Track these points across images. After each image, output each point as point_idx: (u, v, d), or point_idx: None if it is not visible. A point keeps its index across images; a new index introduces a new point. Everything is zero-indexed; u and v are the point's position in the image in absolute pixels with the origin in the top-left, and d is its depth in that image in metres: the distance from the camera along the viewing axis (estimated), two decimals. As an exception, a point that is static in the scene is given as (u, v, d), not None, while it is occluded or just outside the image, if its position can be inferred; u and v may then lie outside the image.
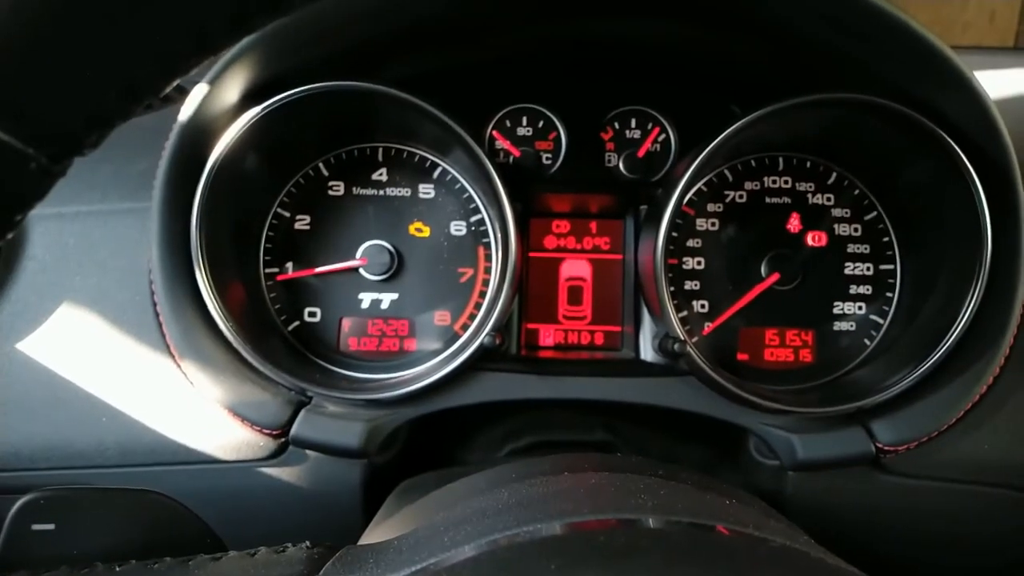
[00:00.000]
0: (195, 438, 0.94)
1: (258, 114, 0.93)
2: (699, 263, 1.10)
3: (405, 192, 1.11)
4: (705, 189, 1.11)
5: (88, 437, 0.95)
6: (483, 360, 0.99)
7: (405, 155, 1.11)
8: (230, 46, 0.42)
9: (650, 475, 0.68)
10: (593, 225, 1.15)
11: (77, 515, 0.53)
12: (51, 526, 0.51)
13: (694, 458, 1.16)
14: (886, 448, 0.94)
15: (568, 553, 0.42)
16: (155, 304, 0.95)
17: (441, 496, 0.72)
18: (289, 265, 1.08)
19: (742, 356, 1.10)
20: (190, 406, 0.95)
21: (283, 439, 0.94)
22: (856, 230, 1.10)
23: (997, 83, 1.24)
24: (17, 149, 0.33)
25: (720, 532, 0.51)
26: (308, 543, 0.52)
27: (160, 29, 0.34)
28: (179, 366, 0.94)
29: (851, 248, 1.10)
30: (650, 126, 1.13)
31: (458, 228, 1.11)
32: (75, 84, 0.34)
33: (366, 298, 1.09)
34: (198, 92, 0.90)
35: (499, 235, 1.02)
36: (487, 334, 0.95)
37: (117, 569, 0.47)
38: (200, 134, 0.93)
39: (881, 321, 1.09)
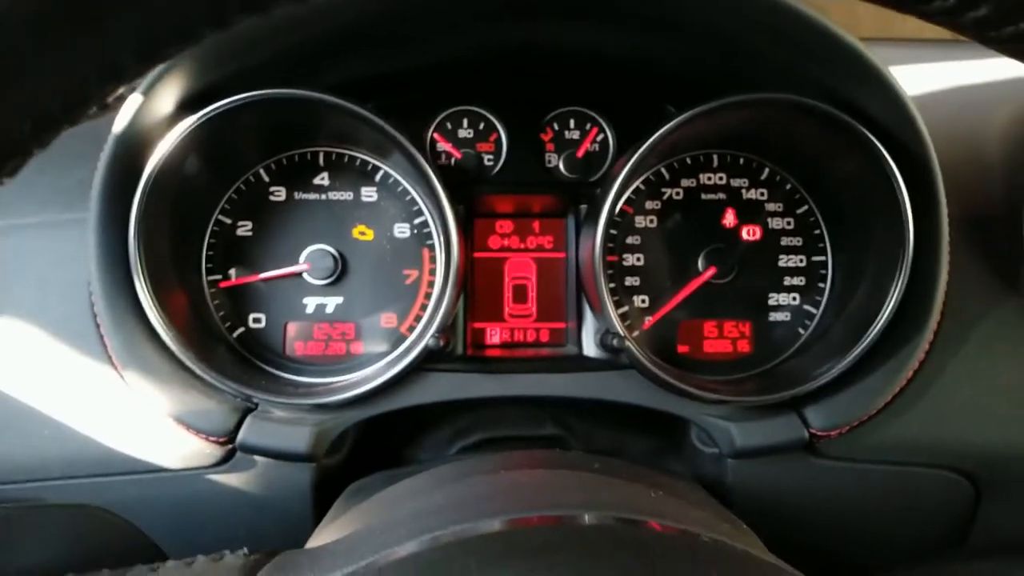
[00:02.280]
0: (141, 448, 0.94)
1: (194, 123, 0.93)
2: (639, 259, 1.13)
3: (347, 196, 1.11)
4: (643, 187, 1.13)
5: (30, 451, 0.94)
6: (429, 361, 1.00)
7: (346, 159, 1.12)
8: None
9: (585, 471, 0.70)
10: (536, 224, 1.17)
11: (12, 532, 0.54)
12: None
13: (641, 449, 1.19)
14: (819, 433, 0.98)
15: (490, 551, 0.44)
16: (95, 315, 0.94)
17: (384, 498, 0.73)
18: (232, 271, 1.08)
19: (682, 348, 1.13)
20: (135, 416, 0.95)
21: (230, 446, 0.94)
22: (789, 224, 1.13)
23: (932, 75, 1.30)
24: None
25: (649, 528, 0.52)
26: (246, 550, 0.53)
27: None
28: (122, 377, 0.94)
29: (784, 241, 1.13)
30: (588, 126, 1.15)
31: (402, 230, 1.12)
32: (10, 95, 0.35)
33: (311, 302, 1.10)
34: (132, 102, 0.90)
35: (442, 237, 1.03)
36: (432, 336, 0.97)
37: None
38: (136, 144, 0.92)
39: (814, 311, 1.12)
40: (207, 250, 1.08)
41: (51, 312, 0.97)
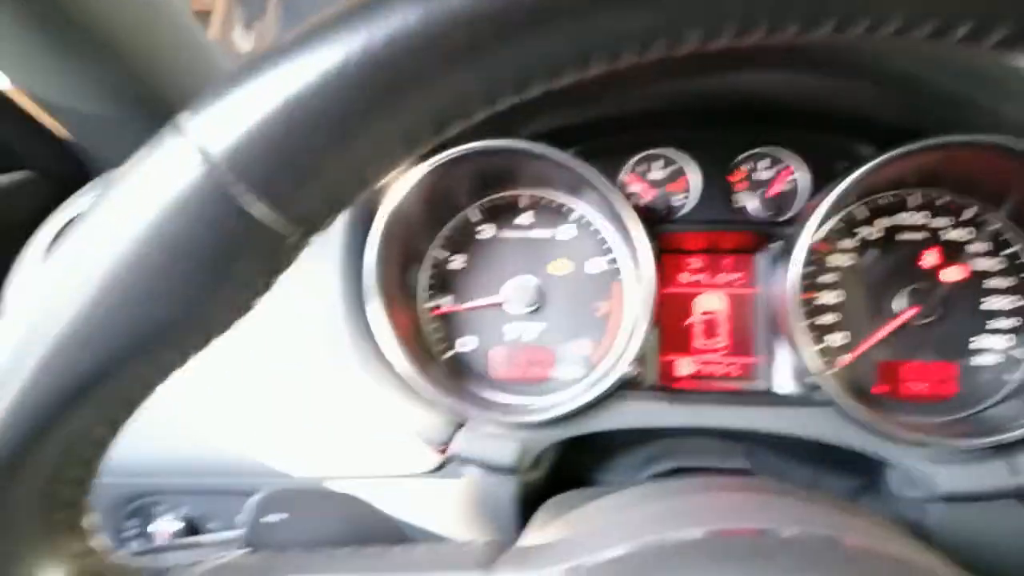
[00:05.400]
0: (370, 454, 1.08)
1: (422, 172, 1.07)
2: (835, 297, 1.14)
3: (546, 234, 1.21)
4: (838, 226, 1.14)
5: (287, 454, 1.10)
6: (623, 388, 1.06)
7: (545, 200, 1.22)
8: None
9: (789, 496, 0.73)
10: (726, 261, 1.21)
11: (301, 509, 0.66)
12: (283, 515, 0.65)
13: (834, 488, 1.18)
14: (1030, 482, 0.94)
15: (692, 555, 0.49)
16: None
17: (588, 510, 0.80)
18: (445, 300, 1.21)
19: (881, 388, 1.12)
20: (366, 426, 1.08)
21: (445, 455, 1.05)
22: (996, 265, 1.10)
23: None
24: (287, 231, 0.44)
25: (844, 543, 0.55)
26: (487, 540, 0.62)
27: (395, 135, 0.45)
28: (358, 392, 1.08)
29: (991, 283, 1.10)
30: (780, 167, 1.18)
31: (595, 266, 1.20)
32: (327, 184, 0.45)
33: (513, 329, 1.20)
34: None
35: (633, 272, 1.09)
36: (627, 364, 1.03)
37: (336, 552, 0.59)
38: (374, 189, 1.07)
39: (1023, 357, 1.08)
40: (427, 280, 1.21)
41: (297, 331, 1.13)
